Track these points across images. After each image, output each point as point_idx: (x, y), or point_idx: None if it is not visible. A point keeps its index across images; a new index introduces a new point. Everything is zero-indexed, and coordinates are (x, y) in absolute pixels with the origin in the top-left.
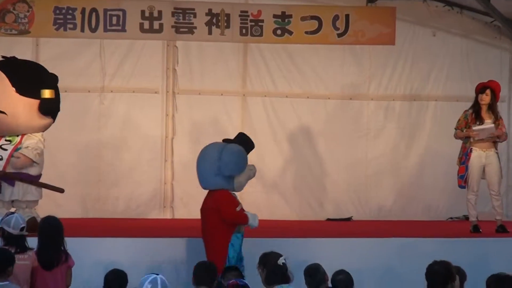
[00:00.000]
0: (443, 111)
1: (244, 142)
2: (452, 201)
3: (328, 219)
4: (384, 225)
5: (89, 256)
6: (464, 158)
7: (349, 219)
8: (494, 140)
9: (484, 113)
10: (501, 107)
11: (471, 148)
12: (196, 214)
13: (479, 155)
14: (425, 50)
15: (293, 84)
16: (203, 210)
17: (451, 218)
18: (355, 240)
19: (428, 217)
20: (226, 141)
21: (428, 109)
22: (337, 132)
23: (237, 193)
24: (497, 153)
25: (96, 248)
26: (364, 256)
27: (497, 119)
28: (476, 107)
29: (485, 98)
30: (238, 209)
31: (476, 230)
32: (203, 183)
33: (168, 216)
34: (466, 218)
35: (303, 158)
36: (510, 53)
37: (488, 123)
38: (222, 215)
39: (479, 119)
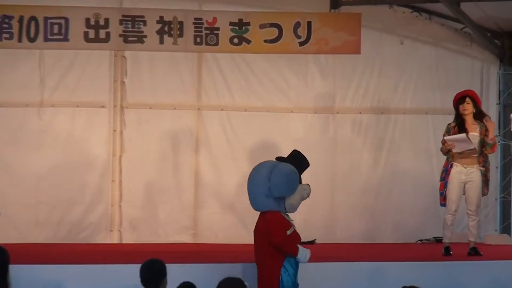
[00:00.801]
0: (411, 124)
1: (297, 160)
2: (421, 221)
3: None
4: (351, 248)
5: (28, 285)
6: (444, 174)
7: (312, 242)
8: (484, 153)
9: (469, 124)
10: None
11: (452, 164)
12: (146, 239)
13: (459, 171)
14: (393, 59)
15: (252, 97)
16: (255, 232)
17: (421, 240)
18: (319, 265)
19: (396, 239)
20: (279, 159)
21: (397, 122)
22: (301, 148)
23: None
24: (481, 169)
25: (34, 276)
26: (329, 281)
27: (484, 128)
28: (458, 119)
29: (468, 107)
30: (289, 232)
31: (447, 253)
32: (254, 205)
33: (115, 240)
34: (437, 240)
35: None
36: (482, 61)
37: (464, 136)
38: (270, 239)
39: (463, 131)
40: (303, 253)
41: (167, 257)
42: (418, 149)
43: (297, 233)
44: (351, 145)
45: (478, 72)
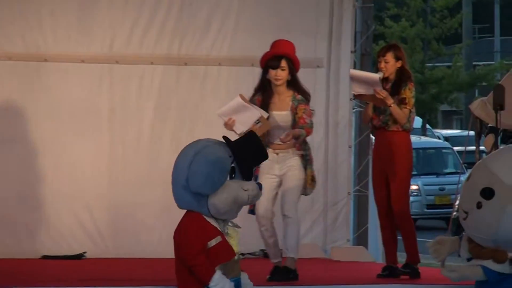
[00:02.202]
0: (229, 80)
1: (248, 146)
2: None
3: (45, 256)
4: (131, 263)
5: None
6: None
7: (81, 256)
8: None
9: (280, 98)
10: (319, 73)
11: None
12: None
13: (271, 159)
14: None
15: None
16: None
17: (242, 254)
18: None
19: None
20: (225, 139)
21: (207, 77)
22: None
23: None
24: (303, 155)
25: None
26: None
27: (297, 103)
28: (264, 88)
29: (282, 75)
30: (210, 244)
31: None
32: (174, 198)
33: None
34: (265, 254)
35: None
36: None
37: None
38: (178, 254)
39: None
40: (219, 282)
41: None
42: None
43: (229, 247)
44: (132, 110)
45: (326, 5)
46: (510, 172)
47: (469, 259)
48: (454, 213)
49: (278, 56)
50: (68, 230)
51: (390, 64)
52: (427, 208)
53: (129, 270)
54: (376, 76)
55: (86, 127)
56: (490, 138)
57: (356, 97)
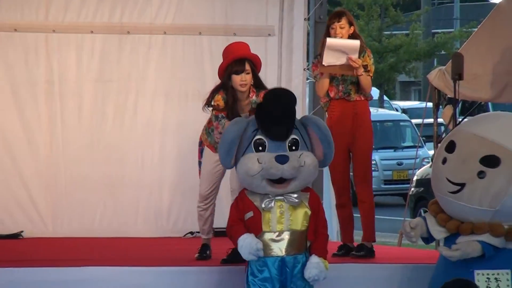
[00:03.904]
0: (175, 50)
1: (266, 112)
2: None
3: None
4: (70, 243)
5: None
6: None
7: (17, 235)
8: None
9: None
10: (271, 42)
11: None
12: None
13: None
14: None
15: None
16: None
17: (191, 233)
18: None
19: (153, 232)
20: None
21: (151, 47)
22: None
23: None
24: None
25: None
26: None
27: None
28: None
29: (248, 78)
30: (246, 217)
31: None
32: None
33: None
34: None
35: None
36: None
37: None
38: None
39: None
40: (241, 244)
41: None
42: (185, 90)
43: (257, 223)
44: (71, 82)
45: None
46: (511, 138)
47: (447, 238)
48: (412, 189)
49: (240, 59)
50: (3, 208)
51: (345, 29)
52: (384, 184)
53: (68, 249)
54: (356, 43)
55: (21, 100)
56: (448, 109)
57: (324, 69)
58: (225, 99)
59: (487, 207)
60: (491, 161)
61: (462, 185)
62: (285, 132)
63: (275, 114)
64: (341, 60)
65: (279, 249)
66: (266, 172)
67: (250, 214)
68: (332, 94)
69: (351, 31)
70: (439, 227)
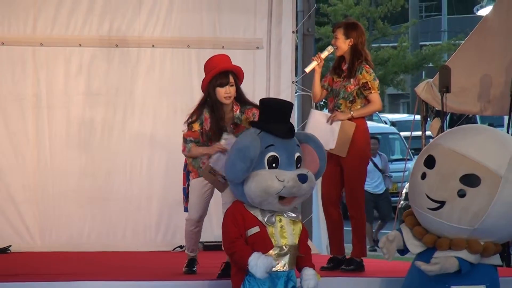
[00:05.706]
0: (163, 63)
1: (267, 118)
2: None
3: None
4: (59, 257)
5: None
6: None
7: (5, 250)
8: None
9: (228, 118)
10: (259, 55)
11: None
12: None
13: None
14: None
15: None
16: None
17: (181, 247)
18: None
19: (142, 245)
20: (252, 124)
21: (140, 60)
22: None
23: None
24: None
25: None
26: None
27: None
28: (212, 109)
29: (232, 91)
30: (250, 233)
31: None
32: None
33: None
34: (204, 246)
35: None
36: None
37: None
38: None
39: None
40: (258, 263)
41: None
42: (173, 103)
43: (266, 239)
44: (59, 96)
45: None
46: (491, 156)
47: (420, 253)
48: (401, 202)
49: (224, 72)
50: None
51: (340, 40)
52: None
53: (57, 264)
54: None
55: (8, 113)
56: (436, 122)
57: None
58: (202, 125)
59: (466, 225)
60: (471, 180)
61: (442, 203)
62: (291, 129)
63: (281, 110)
64: (325, 131)
65: (284, 264)
66: (287, 191)
67: (255, 229)
68: (330, 106)
69: (350, 44)
70: (415, 241)
